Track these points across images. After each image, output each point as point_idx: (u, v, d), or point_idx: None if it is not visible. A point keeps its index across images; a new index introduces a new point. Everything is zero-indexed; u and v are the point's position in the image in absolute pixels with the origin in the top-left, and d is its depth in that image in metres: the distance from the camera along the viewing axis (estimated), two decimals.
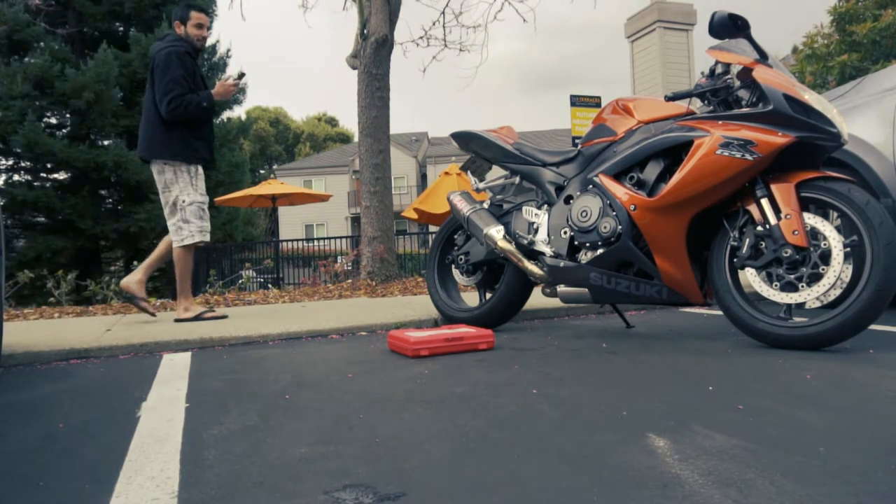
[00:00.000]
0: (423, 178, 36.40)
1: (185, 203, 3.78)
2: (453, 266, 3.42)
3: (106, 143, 14.77)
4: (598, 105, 8.96)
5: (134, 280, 3.87)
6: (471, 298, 3.69)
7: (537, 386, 1.95)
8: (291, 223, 33.72)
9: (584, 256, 2.77)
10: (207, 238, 3.84)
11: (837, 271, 2.22)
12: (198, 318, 3.81)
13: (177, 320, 3.79)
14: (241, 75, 3.87)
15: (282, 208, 27.10)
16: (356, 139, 8.84)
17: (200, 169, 3.87)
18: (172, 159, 3.76)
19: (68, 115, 14.54)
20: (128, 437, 1.61)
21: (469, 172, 3.51)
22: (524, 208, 3.09)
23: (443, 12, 7.23)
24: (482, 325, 3.06)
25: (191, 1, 3.99)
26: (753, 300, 2.50)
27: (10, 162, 14.97)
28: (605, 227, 2.67)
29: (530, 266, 2.92)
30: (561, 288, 2.87)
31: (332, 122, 54.45)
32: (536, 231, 2.99)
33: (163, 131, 3.76)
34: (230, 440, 1.54)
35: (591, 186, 2.79)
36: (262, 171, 44.33)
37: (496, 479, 1.21)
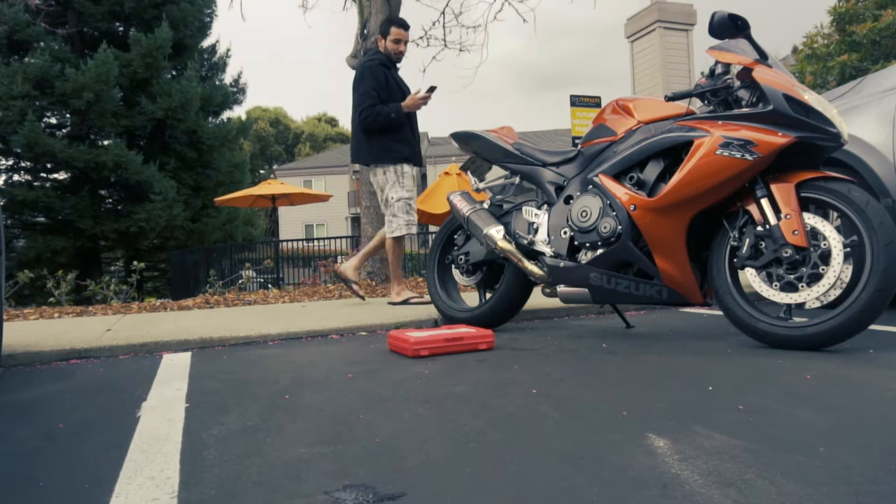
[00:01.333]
0: (423, 179, 36.41)
1: (393, 200, 4.18)
2: (453, 266, 3.42)
3: (106, 143, 14.78)
4: (598, 105, 8.95)
5: (350, 266, 4.42)
6: (471, 298, 3.69)
7: (537, 386, 1.95)
8: (291, 223, 33.71)
9: (584, 256, 2.77)
10: (413, 230, 4.29)
11: (837, 271, 2.22)
12: (405, 302, 4.13)
13: (390, 303, 4.21)
14: (432, 89, 4.05)
15: (282, 208, 27.12)
16: None
17: (406, 167, 4.23)
18: (377, 163, 4.19)
19: (68, 115, 14.55)
20: (128, 437, 1.61)
21: (469, 172, 3.51)
22: (524, 208, 3.09)
23: (443, 12, 7.23)
24: (482, 325, 3.06)
25: (394, 17, 4.38)
26: (753, 300, 2.50)
27: (10, 162, 14.99)
28: (605, 227, 2.67)
29: (530, 266, 2.92)
30: (561, 288, 2.87)
31: (332, 122, 54.44)
32: (536, 231, 2.99)
33: (365, 139, 4.19)
34: (230, 440, 1.54)
35: (591, 186, 2.79)
36: (262, 172, 44.34)
37: (496, 479, 1.21)
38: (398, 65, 4.36)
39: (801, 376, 1.93)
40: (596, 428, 1.50)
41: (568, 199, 2.89)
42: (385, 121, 4.04)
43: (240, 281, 8.79)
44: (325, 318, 3.68)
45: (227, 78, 18.02)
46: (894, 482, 1.11)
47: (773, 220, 2.34)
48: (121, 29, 15.63)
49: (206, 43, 17.37)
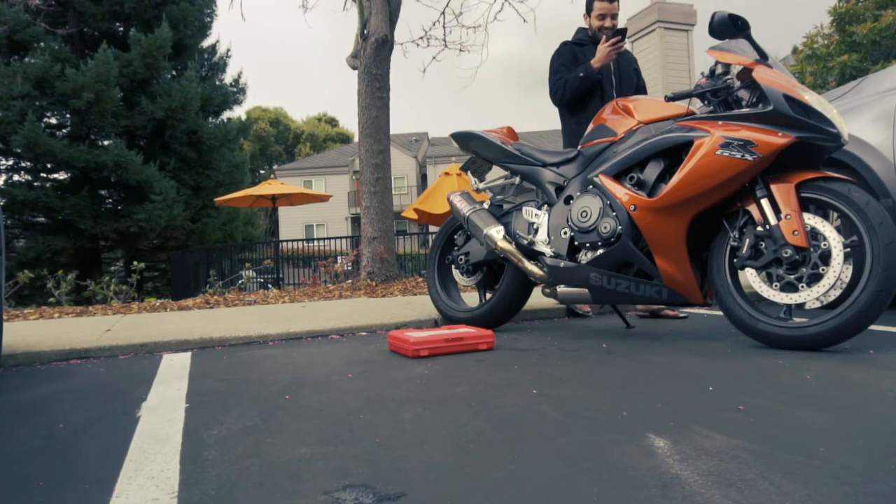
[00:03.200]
0: (423, 179, 36.40)
1: None
2: (453, 266, 3.42)
3: (106, 143, 14.77)
4: None
5: None
6: (471, 298, 3.69)
7: (537, 386, 1.95)
8: (291, 223, 33.71)
9: (585, 257, 2.77)
10: None
11: (837, 272, 2.22)
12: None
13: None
14: (620, 32, 3.50)
15: (282, 208, 27.13)
16: (356, 139, 8.85)
17: None
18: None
19: (68, 115, 14.54)
20: (128, 437, 1.61)
21: (469, 172, 3.50)
22: (524, 208, 3.09)
23: (443, 12, 7.22)
24: (482, 325, 3.06)
25: None
26: (753, 300, 2.50)
27: (10, 162, 14.98)
28: (605, 228, 2.67)
29: (530, 266, 2.92)
30: (561, 288, 2.87)
31: (332, 122, 54.44)
32: (536, 231, 2.99)
33: (562, 126, 3.83)
34: (230, 440, 1.54)
35: (591, 187, 2.79)
36: (262, 172, 44.35)
37: (496, 479, 1.21)
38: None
39: (801, 376, 1.93)
40: (596, 428, 1.50)
41: (568, 200, 2.89)
42: (576, 85, 3.54)
43: (240, 281, 8.79)
44: (325, 318, 3.68)
45: (227, 78, 18.02)
46: (894, 482, 1.11)
47: (773, 220, 2.34)
48: (121, 29, 15.62)
49: (206, 43, 17.37)
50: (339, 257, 9.43)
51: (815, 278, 2.27)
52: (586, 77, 3.50)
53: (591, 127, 3.02)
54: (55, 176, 15.09)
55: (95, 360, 2.85)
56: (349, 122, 58.36)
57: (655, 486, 1.13)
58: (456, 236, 3.46)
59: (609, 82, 3.62)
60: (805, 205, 2.34)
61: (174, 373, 2.45)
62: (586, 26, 3.77)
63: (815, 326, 2.26)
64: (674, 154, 2.57)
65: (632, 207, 2.59)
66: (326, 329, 3.32)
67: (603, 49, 3.47)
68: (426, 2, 7.43)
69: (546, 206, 3.02)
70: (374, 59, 6.07)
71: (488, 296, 3.27)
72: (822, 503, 1.04)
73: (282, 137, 49.48)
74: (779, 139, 2.28)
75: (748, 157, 2.31)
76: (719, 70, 2.56)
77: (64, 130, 14.97)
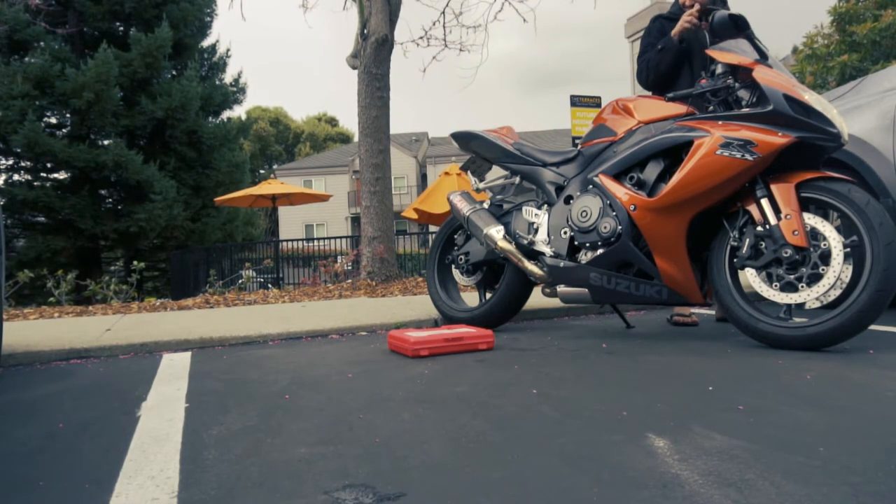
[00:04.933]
0: (423, 178, 36.40)
1: None
2: (453, 266, 3.42)
3: (106, 143, 14.77)
4: (598, 105, 8.94)
5: None
6: (471, 298, 3.69)
7: (537, 386, 1.95)
8: (291, 223, 33.71)
9: (584, 256, 2.77)
10: None
11: (837, 271, 2.22)
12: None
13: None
14: None
15: (282, 208, 27.13)
16: (356, 139, 8.85)
17: None
18: None
19: (68, 115, 14.55)
20: (128, 437, 1.61)
21: (469, 172, 3.50)
22: (524, 208, 3.09)
23: (443, 12, 7.22)
24: (482, 325, 3.06)
25: None
26: (753, 300, 2.50)
27: (10, 162, 14.99)
28: (605, 228, 2.67)
29: (530, 266, 2.92)
30: (561, 288, 2.87)
31: (332, 122, 54.42)
32: (536, 231, 2.99)
33: None
34: (230, 440, 1.54)
35: (591, 186, 2.79)
36: (262, 171, 44.34)
37: (496, 479, 1.21)
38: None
39: (801, 376, 1.93)
40: (596, 428, 1.50)
41: (568, 199, 2.89)
42: (657, 59, 3.16)
43: (240, 281, 8.79)
44: (325, 318, 3.68)
45: (227, 78, 18.01)
46: (894, 482, 1.11)
47: (773, 220, 2.34)
48: (121, 29, 15.62)
49: (206, 43, 17.37)
50: (339, 257, 9.42)
51: (814, 278, 2.27)
52: (665, 49, 3.12)
53: (591, 127, 3.02)
54: (55, 175, 15.09)
55: (95, 360, 2.85)
56: (349, 121, 58.35)
57: (655, 486, 1.13)
58: (456, 236, 3.46)
59: (700, 56, 3.12)
60: (805, 205, 2.34)
61: (174, 373, 2.45)
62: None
63: (814, 326, 2.26)
64: (674, 154, 2.57)
65: (632, 207, 2.59)
66: (326, 329, 3.32)
67: (685, 17, 3.04)
68: (426, 2, 7.42)
69: (546, 205, 3.02)
70: (374, 58, 6.07)
71: (488, 296, 3.27)
72: (822, 503, 1.04)
73: (282, 137, 49.47)
74: (779, 139, 2.28)
75: (748, 156, 2.31)
76: (719, 70, 2.56)
77: (64, 130, 14.97)
